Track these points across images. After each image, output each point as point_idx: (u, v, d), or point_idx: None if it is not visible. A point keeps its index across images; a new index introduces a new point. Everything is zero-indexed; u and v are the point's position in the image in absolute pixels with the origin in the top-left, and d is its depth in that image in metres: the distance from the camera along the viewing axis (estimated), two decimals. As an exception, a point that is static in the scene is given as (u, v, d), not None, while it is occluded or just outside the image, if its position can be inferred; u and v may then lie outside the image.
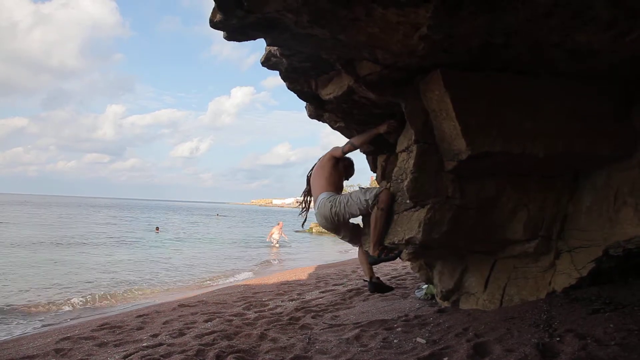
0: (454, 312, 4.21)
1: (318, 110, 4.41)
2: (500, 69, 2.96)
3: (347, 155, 4.13)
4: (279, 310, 5.59)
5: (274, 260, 16.72)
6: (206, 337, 4.20)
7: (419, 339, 3.48)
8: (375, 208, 3.57)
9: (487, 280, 4.02)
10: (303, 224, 4.70)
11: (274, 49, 3.56)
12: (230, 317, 5.20)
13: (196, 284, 10.66)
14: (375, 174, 5.08)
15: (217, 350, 3.67)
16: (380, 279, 4.30)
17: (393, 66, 3.03)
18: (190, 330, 4.62)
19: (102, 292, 9.22)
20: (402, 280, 7.13)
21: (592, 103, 3.07)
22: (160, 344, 4.09)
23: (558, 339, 2.72)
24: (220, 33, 2.87)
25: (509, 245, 3.65)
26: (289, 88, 4.17)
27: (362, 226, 4.09)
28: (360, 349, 3.49)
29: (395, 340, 3.59)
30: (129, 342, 4.34)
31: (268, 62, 3.84)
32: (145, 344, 4.14)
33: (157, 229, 29.58)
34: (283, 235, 21.87)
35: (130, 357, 3.78)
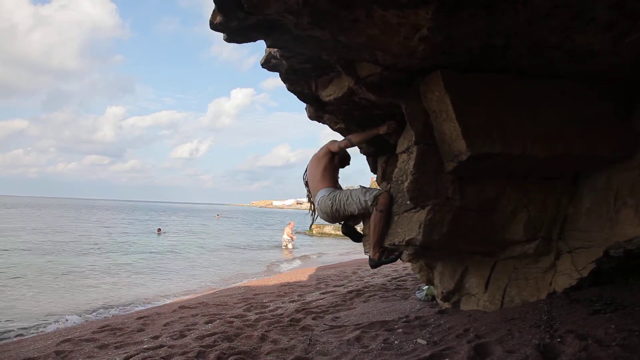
0: (455, 313, 4.21)
1: (318, 111, 4.41)
2: (501, 70, 2.96)
3: None
4: (279, 311, 5.59)
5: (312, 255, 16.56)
6: (207, 338, 4.20)
7: (419, 340, 3.48)
8: (375, 210, 3.57)
9: (487, 281, 4.02)
10: (310, 227, 4.75)
11: (274, 50, 3.56)
12: (231, 319, 5.20)
13: (213, 287, 10.58)
14: (375, 175, 5.09)
15: (217, 351, 3.68)
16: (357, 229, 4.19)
17: (393, 67, 3.04)
18: (191, 331, 4.62)
19: (103, 294, 9.23)
20: (403, 281, 7.13)
21: (592, 104, 3.08)
22: (161, 346, 4.09)
23: (559, 339, 2.72)
24: (220, 34, 2.87)
25: (509, 246, 3.65)
26: (289, 89, 4.17)
27: (361, 229, 4.09)
28: (361, 350, 3.49)
29: (396, 342, 3.59)
30: (129, 344, 4.34)
31: (268, 64, 3.84)
32: (146, 346, 4.14)
33: (159, 230, 29.51)
34: (292, 236, 21.50)
35: (131, 359, 3.78)
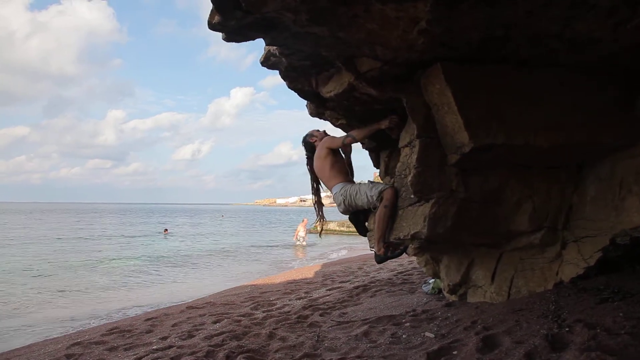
0: (462, 305, 4.21)
1: (319, 108, 4.41)
2: (501, 61, 2.95)
3: None
4: (286, 309, 5.60)
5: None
6: (215, 338, 4.22)
7: (427, 334, 3.49)
8: (380, 205, 3.57)
9: (494, 272, 4.01)
10: (315, 224, 4.76)
11: (273, 48, 3.56)
12: (239, 318, 5.22)
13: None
14: (378, 170, 5.08)
15: (226, 350, 3.69)
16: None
17: (393, 62, 3.03)
18: (199, 331, 4.64)
19: (111, 297, 9.29)
20: (409, 275, 7.13)
21: (594, 93, 3.05)
22: (170, 347, 4.12)
23: (567, 329, 2.71)
24: (218, 34, 2.87)
25: (515, 237, 3.64)
26: (289, 87, 4.17)
27: (367, 223, 4.09)
28: (370, 345, 3.50)
29: (404, 336, 3.60)
30: (138, 345, 4.36)
31: (267, 62, 3.84)
32: (155, 347, 4.16)
33: (166, 230, 29.53)
34: (298, 236, 21.35)
35: (141, 360, 3.81)
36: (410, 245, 3.82)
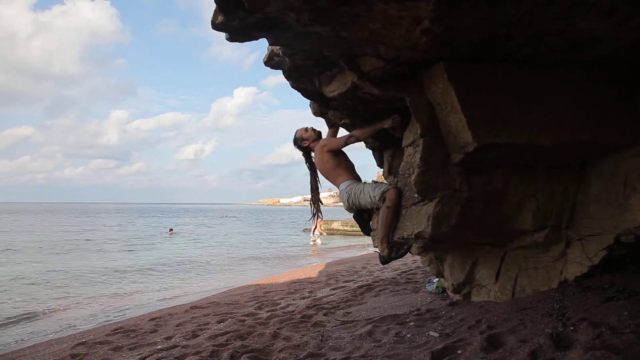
0: (466, 304, 4.21)
1: (322, 107, 4.41)
2: (503, 60, 2.94)
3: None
4: (290, 308, 5.61)
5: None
6: (220, 337, 4.23)
7: (432, 333, 3.49)
8: (382, 206, 3.57)
9: (498, 271, 4.01)
10: (314, 229, 4.72)
11: (276, 48, 3.56)
12: (243, 317, 5.23)
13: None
14: (381, 170, 5.08)
15: (231, 350, 3.70)
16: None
17: (396, 61, 3.03)
18: (204, 331, 4.65)
19: (116, 297, 9.32)
20: (413, 274, 7.13)
21: (596, 91, 3.05)
22: (175, 346, 4.13)
23: (572, 328, 2.71)
24: (219, 34, 2.87)
25: (519, 236, 3.64)
26: (292, 87, 4.17)
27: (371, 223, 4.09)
28: (374, 344, 3.50)
29: (408, 335, 3.60)
30: (143, 345, 4.38)
31: (271, 62, 3.84)
32: (159, 347, 4.18)
33: (171, 230, 29.49)
34: (314, 234, 21.21)
35: (146, 359, 3.82)
36: (414, 244, 3.82)
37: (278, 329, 4.43)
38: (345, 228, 25.80)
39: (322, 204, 4.50)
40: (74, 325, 7.03)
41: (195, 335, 4.50)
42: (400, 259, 3.95)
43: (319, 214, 4.47)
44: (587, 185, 3.45)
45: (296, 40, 2.93)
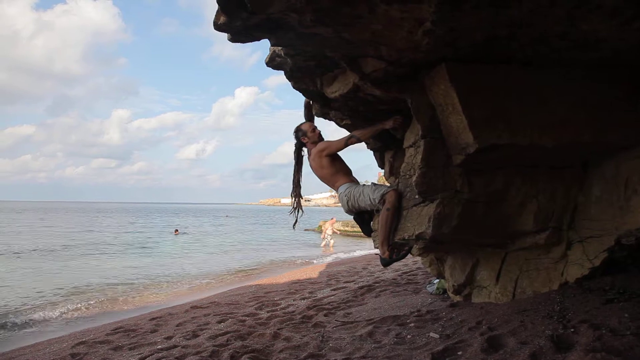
0: (467, 306, 4.20)
1: (324, 108, 4.41)
2: (505, 61, 2.94)
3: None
4: (291, 309, 5.61)
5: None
6: (220, 337, 4.23)
7: (432, 334, 3.49)
8: (382, 208, 3.57)
9: (498, 273, 4.00)
10: (294, 225, 4.49)
11: (278, 49, 3.57)
12: (243, 318, 5.24)
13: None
14: (383, 170, 5.08)
15: (231, 350, 3.70)
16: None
17: (398, 62, 3.03)
18: (204, 331, 4.65)
19: (118, 296, 9.33)
20: (414, 275, 7.12)
21: (599, 92, 3.04)
22: (175, 346, 4.13)
23: (572, 329, 2.71)
24: (221, 34, 2.88)
25: (520, 237, 3.63)
26: (294, 87, 4.17)
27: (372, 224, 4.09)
28: (374, 345, 3.50)
29: (408, 336, 3.59)
30: (143, 345, 4.38)
31: (273, 62, 3.85)
32: (159, 347, 4.18)
33: (176, 231, 29.35)
34: (326, 235, 20.89)
35: (146, 359, 3.82)
36: (415, 245, 3.82)
37: (278, 329, 4.43)
38: (346, 229, 25.75)
39: (302, 198, 4.39)
40: (74, 324, 7.04)
41: (195, 335, 4.50)
42: (401, 260, 3.91)
43: (300, 209, 4.37)
44: (589, 186, 3.45)
45: (298, 41, 2.93)
